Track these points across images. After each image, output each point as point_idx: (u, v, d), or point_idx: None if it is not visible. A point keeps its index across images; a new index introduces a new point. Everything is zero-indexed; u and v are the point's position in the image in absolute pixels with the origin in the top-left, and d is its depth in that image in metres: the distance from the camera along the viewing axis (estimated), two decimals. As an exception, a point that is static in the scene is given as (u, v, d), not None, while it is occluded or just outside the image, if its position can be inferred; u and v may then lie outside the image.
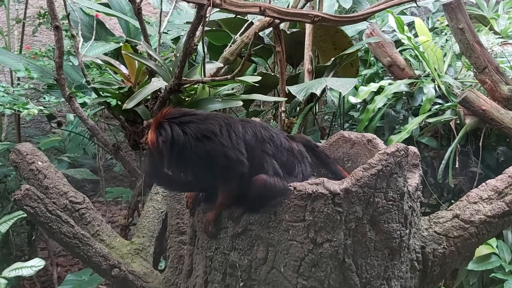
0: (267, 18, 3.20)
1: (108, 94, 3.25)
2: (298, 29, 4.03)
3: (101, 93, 3.27)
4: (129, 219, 3.68)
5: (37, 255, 4.34)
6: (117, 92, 3.22)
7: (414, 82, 3.68)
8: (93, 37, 3.87)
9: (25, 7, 4.69)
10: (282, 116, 3.46)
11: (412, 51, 3.90)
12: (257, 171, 1.83)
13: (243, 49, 3.38)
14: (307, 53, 3.80)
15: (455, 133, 3.33)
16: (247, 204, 1.85)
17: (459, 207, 2.13)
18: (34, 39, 5.34)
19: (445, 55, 3.82)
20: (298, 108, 3.96)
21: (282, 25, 3.70)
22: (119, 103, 3.15)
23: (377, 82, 3.73)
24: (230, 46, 3.41)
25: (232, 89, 3.26)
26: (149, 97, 3.14)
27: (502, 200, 2.09)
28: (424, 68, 3.77)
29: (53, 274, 4.45)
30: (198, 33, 2.91)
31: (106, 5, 4.26)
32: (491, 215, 2.07)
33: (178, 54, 3.05)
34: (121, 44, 3.87)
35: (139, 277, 2.49)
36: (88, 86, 3.33)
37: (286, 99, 3.56)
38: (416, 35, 3.97)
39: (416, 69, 3.85)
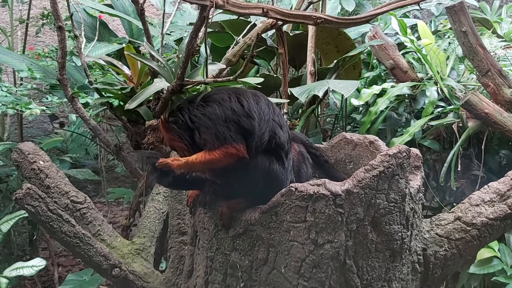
0: (270, 20, 3.20)
1: (111, 95, 3.25)
2: (301, 31, 4.04)
3: (103, 93, 3.28)
4: (131, 219, 3.68)
5: (38, 255, 4.36)
6: (119, 92, 3.22)
7: (417, 85, 3.68)
8: (96, 38, 3.88)
9: (28, 7, 4.72)
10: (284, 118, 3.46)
11: (415, 54, 3.89)
12: (270, 140, 1.79)
13: (245, 51, 3.38)
14: (310, 55, 3.80)
15: (457, 136, 3.32)
16: (250, 195, 1.84)
17: (461, 210, 2.12)
18: (37, 39, 5.37)
19: (448, 58, 3.82)
20: (300, 110, 3.97)
21: (285, 27, 3.71)
22: (121, 103, 3.16)
23: (380, 85, 3.73)
24: (233, 47, 3.41)
25: (235, 90, 3.25)
26: (151, 97, 3.14)
27: (504, 202, 2.07)
28: (427, 71, 3.76)
29: (54, 274, 4.46)
30: (200, 34, 2.91)
31: (110, 6, 4.27)
32: (493, 218, 2.05)
33: (180, 55, 3.04)
34: (123, 45, 3.88)
35: (139, 277, 2.49)
36: (91, 87, 3.33)
37: (289, 101, 3.57)
38: (419, 38, 3.97)
39: (419, 72, 3.85)
